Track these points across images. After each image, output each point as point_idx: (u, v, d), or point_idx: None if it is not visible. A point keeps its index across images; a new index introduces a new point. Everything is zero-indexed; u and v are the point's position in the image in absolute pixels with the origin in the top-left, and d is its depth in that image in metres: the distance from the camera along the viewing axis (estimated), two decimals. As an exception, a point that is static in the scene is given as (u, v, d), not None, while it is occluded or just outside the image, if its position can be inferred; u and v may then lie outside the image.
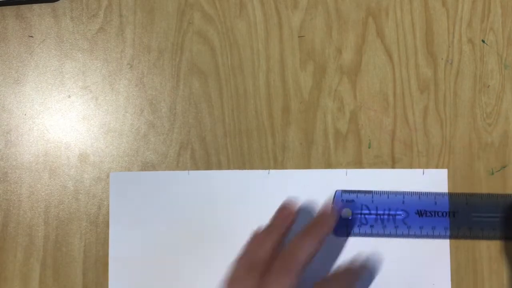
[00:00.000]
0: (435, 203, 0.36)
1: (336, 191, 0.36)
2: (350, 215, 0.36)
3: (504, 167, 0.37)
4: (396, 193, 0.36)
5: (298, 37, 0.38)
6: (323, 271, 0.35)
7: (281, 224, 0.33)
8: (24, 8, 0.37)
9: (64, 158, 0.37)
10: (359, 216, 0.36)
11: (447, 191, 0.36)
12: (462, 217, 0.35)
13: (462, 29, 0.37)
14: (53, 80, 0.37)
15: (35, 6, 0.37)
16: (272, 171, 0.37)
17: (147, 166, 0.37)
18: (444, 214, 0.35)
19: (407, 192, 0.36)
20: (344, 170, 0.37)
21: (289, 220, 0.33)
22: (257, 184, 0.36)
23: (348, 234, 0.36)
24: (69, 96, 0.37)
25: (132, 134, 0.37)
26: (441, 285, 0.35)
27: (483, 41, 0.37)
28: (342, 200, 0.36)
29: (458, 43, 0.37)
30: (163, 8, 0.37)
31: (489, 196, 0.36)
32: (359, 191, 0.36)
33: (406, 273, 0.36)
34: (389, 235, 0.36)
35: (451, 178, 0.37)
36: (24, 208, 0.36)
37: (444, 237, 0.35)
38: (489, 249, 0.36)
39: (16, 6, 0.37)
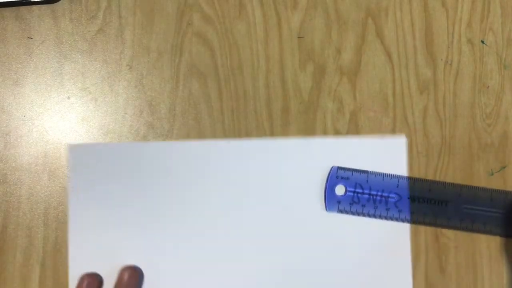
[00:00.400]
0: (429, 190, 0.36)
1: (332, 167, 0.36)
2: (343, 192, 0.36)
3: (503, 167, 0.37)
4: (391, 176, 0.36)
5: (298, 37, 0.38)
6: (310, 246, 0.36)
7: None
8: (23, 9, 0.37)
9: (63, 159, 0.37)
10: (352, 194, 0.36)
11: (406, 159, 0.36)
12: (454, 207, 0.36)
13: (461, 30, 0.37)
14: (52, 81, 0.37)
15: (35, 8, 0.37)
16: (239, 141, 0.37)
17: (146, 167, 0.37)
18: (437, 202, 0.35)
19: (402, 176, 0.36)
20: (306, 140, 0.37)
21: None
22: (217, 157, 0.36)
23: (338, 210, 0.36)
24: (69, 98, 0.37)
25: (132, 135, 0.37)
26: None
27: (482, 41, 0.37)
28: (337, 177, 0.36)
29: (457, 43, 0.37)
30: (163, 9, 0.37)
31: (484, 190, 0.36)
32: (355, 170, 0.36)
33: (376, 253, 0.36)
34: (379, 217, 0.36)
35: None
36: (23, 210, 0.36)
37: (434, 225, 0.36)
38: (489, 249, 0.36)
39: (16, 7, 0.37)
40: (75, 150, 0.36)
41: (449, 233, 0.36)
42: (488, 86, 0.37)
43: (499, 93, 0.37)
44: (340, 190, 0.36)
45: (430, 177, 0.37)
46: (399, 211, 0.36)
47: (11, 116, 0.37)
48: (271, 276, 0.36)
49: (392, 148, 0.37)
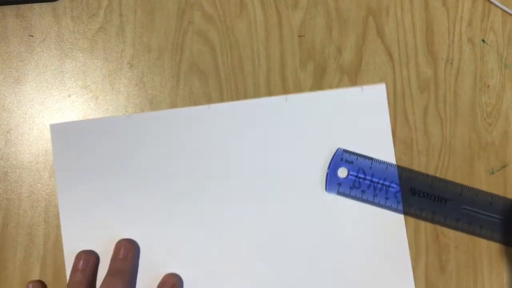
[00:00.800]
0: (431, 185, 0.36)
1: (338, 149, 0.36)
2: (345, 175, 0.36)
3: (504, 166, 0.37)
4: (394, 166, 0.36)
5: (298, 36, 0.38)
6: (306, 225, 0.36)
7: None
8: (24, 7, 0.37)
9: (64, 157, 0.37)
10: (354, 178, 0.36)
11: (386, 107, 0.36)
12: (452, 206, 0.36)
13: (462, 29, 0.37)
14: (53, 79, 0.37)
15: (36, 6, 0.37)
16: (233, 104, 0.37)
17: (147, 166, 0.37)
18: (437, 198, 0.35)
19: (406, 168, 0.36)
20: (284, 96, 0.37)
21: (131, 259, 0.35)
22: (197, 123, 0.37)
23: (338, 192, 0.36)
24: (69, 96, 0.37)
25: (132, 133, 0.37)
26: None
27: (483, 40, 0.37)
28: (342, 159, 0.36)
29: (458, 42, 0.37)
30: (164, 8, 0.37)
31: (484, 193, 0.36)
32: (359, 155, 0.36)
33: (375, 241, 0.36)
34: (378, 205, 0.36)
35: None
36: (24, 207, 0.36)
37: (430, 220, 0.36)
38: (489, 249, 0.36)
39: (17, 5, 0.37)
40: (57, 129, 0.36)
41: (449, 233, 0.36)
42: (489, 85, 0.37)
43: (499, 92, 0.37)
44: (342, 172, 0.36)
45: (430, 176, 0.37)
46: (398, 202, 0.36)
47: (12, 114, 0.37)
48: (268, 250, 0.36)
49: (373, 95, 0.37)
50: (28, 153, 0.37)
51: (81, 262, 0.34)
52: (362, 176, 0.36)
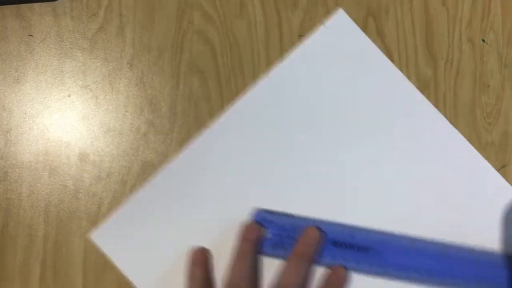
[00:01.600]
0: (353, 236, 0.35)
1: (257, 209, 0.36)
2: (267, 235, 0.35)
3: (504, 166, 0.37)
4: (315, 221, 0.35)
5: (298, 36, 0.38)
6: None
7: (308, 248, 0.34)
8: (24, 7, 0.37)
9: (64, 157, 0.37)
10: (275, 237, 0.35)
11: (352, 22, 0.37)
12: (376, 254, 0.35)
13: (462, 29, 0.37)
14: (53, 79, 0.37)
15: (35, 5, 0.37)
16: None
17: (147, 166, 0.37)
18: (360, 248, 0.35)
19: (327, 221, 0.35)
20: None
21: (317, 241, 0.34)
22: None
23: (263, 253, 0.35)
24: (69, 95, 0.37)
25: (132, 133, 0.37)
26: None
27: (483, 40, 0.37)
28: (261, 219, 0.35)
29: (458, 42, 0.37)
30: (163, 8, 0.37)
31: (406, 238, 0.35)
32: (279, 213, 0.36)
33: None
34: None
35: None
36: (24, 207, 0.36)
37: (355, 270, 0.35)
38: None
39: (16, 5, 0.37)
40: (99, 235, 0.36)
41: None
42: (489, 85, 0.37)
43: (499, 92, 0.37)
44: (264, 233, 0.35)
45: (430, 176, 0.37)
46: (320, 255, 0.35)
47: (12, 114, 0.37)
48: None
49: (339, 23, 0.37)
50: (28, 152, 0.37)
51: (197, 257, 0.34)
52: (283, 234, 0.35)
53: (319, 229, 0.35)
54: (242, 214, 0.36)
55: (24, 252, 0.36)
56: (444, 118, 0.37)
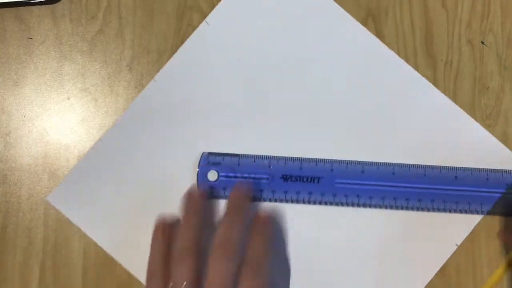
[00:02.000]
0: (300, 168, 0.35)
1: (203, 153, 0.36)
2: (216, 178, 0.35)
3: (503, 168, 0.37)
4: (262, 157, 0.36)
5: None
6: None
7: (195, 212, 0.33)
8: (23, 10, 0.37)
9: (63, 160, 0.37)
10: (224, 179, 0.35)
11: None
12: (326, 183, 0.35)
13: (461, 30, 0.37)
14: (52, 82, 0.37)
15: (34, 8, 0.37)
16: None
17: (146, 168, 0.37)
18: (309, 179, 0.35)
19: (273, 156, 0.36)
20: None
21: (200, 205, 0.33)
22: None
23: (214, 197, 0.36)
24: (69, 98, 0.37)
25: (132, 135, 0.37)
26: None
27: (482, 42, 0.37)
28: (209, 162, 0.36)
29: (457, 44, 0.37)
30: (163, 10, 0.37)
31: (354, 163, 0.36)
32: (225, 154, 0.36)
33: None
34: (254, 199, 0.36)
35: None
36: (23, 210, 0.36)
37: (308, 202, 0.35)
38: (489, 249, 0.36)
39: (15, 8, 0.37)
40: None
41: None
42: (488, 87, 0.37)
43: (499, 94, 0.37)
44: (212, 176, 0.35)
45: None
46: (273, 191, 0.35)
47: (11, 117, 0.37)
48: None
49: None
50: (27, 155, 0.37)
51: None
52: (232, 174, 0.35)
53: (246, 183, 0.35)
54: (191, 159, 0.36)
55: (23, 254, 0.36)
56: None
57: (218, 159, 0.36)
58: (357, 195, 0.35)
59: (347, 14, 0.37)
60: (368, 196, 0.35)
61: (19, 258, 0.36)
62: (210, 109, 0.36)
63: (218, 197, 0.36)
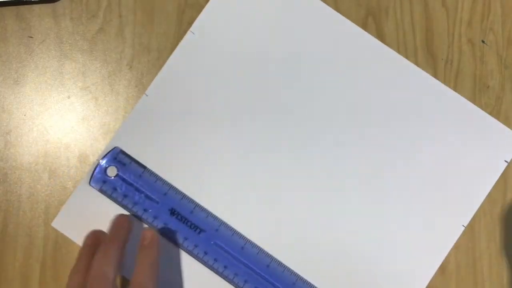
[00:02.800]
0: (192, 212, 0.35)
1: (115, 147, 0.36)
2: (114, 175, 0.35)
3: (504, 167, 0.37)
4: (163, 182, 0.36)
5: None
6: None
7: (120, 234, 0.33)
8: (23, 8, 0.37)
9: (63, 158, 0.37)
10: (120, 181, 0.35)
11: None
12: (205, 238, 0.35)
13: (462, 29, 0.37)
14: (52, 80, 0.37)
15: (35, 7, 0.37)
16: None
17: (147, 167, 0.37)
18: (193, 226, 0.35)
19: (174, 187, 0.36)
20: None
21: (126, 228, 0.34)
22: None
23: (101, 190, 0.35)
24: (69, 97, 0.37)
25: (132, 134, 0.37)
26: None
27: (483, 41, 0.37)
28: (115, 158, 0.36)
29: (458, 43, 0.37)
30: (163, 9, 0.37)
31: (239, 235, 0.35)
32: (134, 160, 0.36)
33: None
34: (134, 215, 0.35)
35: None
36: (24, 209, 0.36)
37: (179, 246, 0.35)
38: (489, 249, 0.36)
39: (16, 6, 0.37)
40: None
41: (449, 233, 0.36)
42: (488, 86, 0.37)
43: (499, 93, 0.37)
44: (111, 171, 0.36)
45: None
46: (154, 217, 0.35)
47: (12, 115, 0.37)
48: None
49: None
50: (28, 154, 0.37)
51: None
52: (129, 181, 0.35)
53: (127, 217, 0.35)
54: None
55: (24, 253, 0.36)
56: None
57: (126, 160, 0.36)
58: (225, 266, 0.35)
59: (327, 6, 0.37)
60: (234, 272, 0.35)
61: (19, 257, 0.36)
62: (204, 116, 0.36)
63: (105, 193, 0.35)
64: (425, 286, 0.35)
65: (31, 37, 0.37)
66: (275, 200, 0.36)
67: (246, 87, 0.36)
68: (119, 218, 0.34)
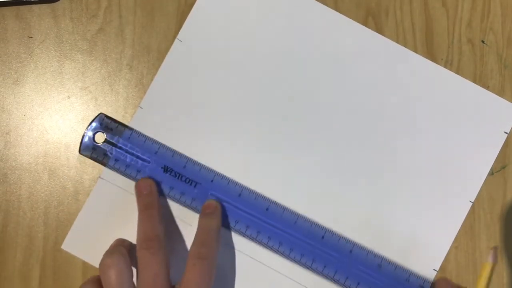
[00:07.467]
0: (184, 167, 0.35)
1: (100, 114, 0.36)
2: (102, 141, 0.36)
3: (504, 167, 0.37)
4: (152, 141, 0.36)
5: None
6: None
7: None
8: (23, 8, 0.37)
9: (63, 158, 0.37)
10: (110, 145, 0.36)
11: None
12: (201, 190, 0.35)
13: (462, 29, 0.37)
14: (52, 80, 0.37)
15: (35, 7, 0.37)
16: None
17: (147, 167, 0.37)
18: (187, 180, 0.35)
19: (164, 145, 0.36)
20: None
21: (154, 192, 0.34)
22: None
23: (91, 157, 0.36)
24: (69, 97, 0.37)
25: (132, 134, 0.37)
26: None
27: (482, 41, 0.37)
28: (102, 124, 0.36)
29: (458, 43, 0.37)
30: (163, 9, 0.37)
31: (235, 183, 0.36)
32: (120, 123, 0.36)
33: None
34: (128, 176, 0.36)
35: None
36: (23, 209, 0.36)
37: (177, 201, 0.36)
38: (489, 249, 0.36)
39: (16, 6, 0.37)
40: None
41: (449, 233, 0.36)
42: (488, 86, 0.37)
43: (499, 93, 0.37)
44: (99, 138, 0.36)
45: (430, 176, 0.37)
46: (148, 176, 0.35)
47: (11, 115, 0.37)
48: None
49: None
50: (28, 154, 0.37)
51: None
52: (119, 144, 0.36)
53: (150, 177, 0.35)
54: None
55: (24, 253, 0.36)
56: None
57: (112, 125, 0.36)
58: (225, 215, 0.35)
59: (321, 4, 0.37)
60: (235, 219, 0.35)
61: (19, 257, 0.36)
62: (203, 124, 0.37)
63: (96, 160, 0.36)
64: (440, 263, 0.36)
65: (31, 37, 0.37)
66: (274, 149, 0.36)
67: (246, 87, 0.37)
68: (142, 184, 0.35)
